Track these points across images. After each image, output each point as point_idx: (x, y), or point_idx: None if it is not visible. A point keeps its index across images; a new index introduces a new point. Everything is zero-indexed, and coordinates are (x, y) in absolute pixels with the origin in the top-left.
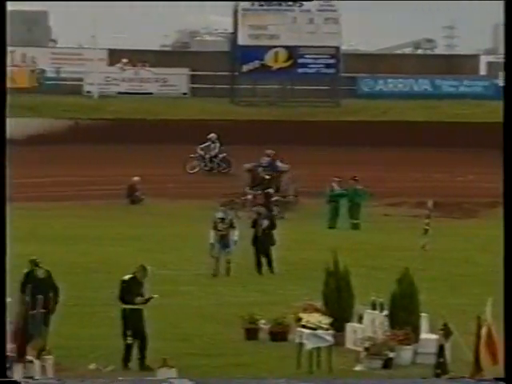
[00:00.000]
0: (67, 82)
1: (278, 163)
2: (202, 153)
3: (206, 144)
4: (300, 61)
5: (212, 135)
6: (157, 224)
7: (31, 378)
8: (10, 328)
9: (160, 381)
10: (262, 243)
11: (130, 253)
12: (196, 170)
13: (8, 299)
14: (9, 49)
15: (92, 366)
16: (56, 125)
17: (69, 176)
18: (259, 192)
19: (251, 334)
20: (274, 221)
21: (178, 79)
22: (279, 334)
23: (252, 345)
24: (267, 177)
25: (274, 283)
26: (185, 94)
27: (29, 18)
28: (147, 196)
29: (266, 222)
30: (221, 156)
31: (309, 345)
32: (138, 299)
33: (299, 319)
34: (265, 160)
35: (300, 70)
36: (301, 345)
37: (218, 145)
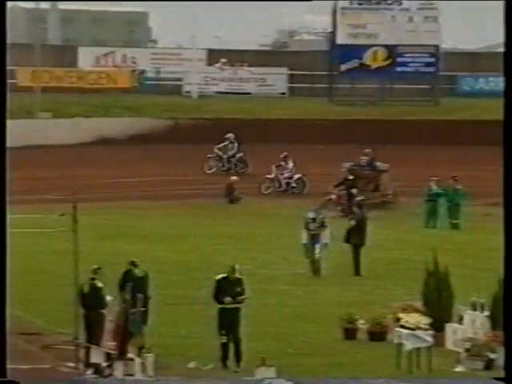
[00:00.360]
0: (167, 82)
1: (377, 162)
2: (220, 153)
3: (224, 144)
4: (399, 60)
5: (230, 135)
6: (255, 223)
7: (131, 375)
8: (110, 326)
9: (257, 381)
10: (353, 243)
11: (228, 252)
12: (213, 170)
13: (108, 297)
14: (109, 49)
15: (191, 365)
16: (156, 124)
17: (169, 175)
18: (343, 192)
19: (349, 333)
20: (363, 221)
21: (276, 79)
22: (378, 334)
23: (350, 345)
24: (351, 177)
25: (372, 283)
26: (283, 93)
27: (130, 19)
28: (245, 195)
29: (353, 222)
30: (238, 156)
31: (408, 345)
32: (226, 299)
33: (398, 319)
34: (363, 159)
35: (399, 69)
36: (400, 345)
37: (236, 145)
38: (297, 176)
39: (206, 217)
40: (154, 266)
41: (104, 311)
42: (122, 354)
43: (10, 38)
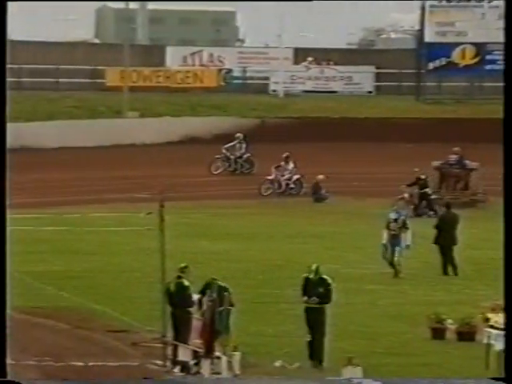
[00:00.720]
0: (253, 81)
1: (466, 161)
2: (227, 153)
3: (231, 144)
4: (488, 57)
5: (239, 134)
6: (341, 222)
7: (218, 373)
8: (197, 324)
9: (345, 380)
10: (442, 243)
11: (314, 251)
12: (220, 170)
13: (195, 296)
14: (196, 49)
15: (278, 363)
16: (242, 123)
17: (256, 174)
18: (416, 191)
19: (438, 333)
20: (452, 221)
21: (363, 77)
22: (467, 334)
23: (438, 344)
24: (423, 176)
25: (460, 283)
26: (370, 92)
27: (217, 19)
28: (332, 194)
29: (438, 222)
30: (245, 156)
31: (497, 345)
32: (304, 299)
33: (487, 319)
34: (452, 158)
35: (488, 67)
36: (489, 345)
37: (244, 145)
38: (295, 177)
39: (292, 215)
40: (239, 265)
41: (191, 309)
42: (209, 352)
43: (100, 38)
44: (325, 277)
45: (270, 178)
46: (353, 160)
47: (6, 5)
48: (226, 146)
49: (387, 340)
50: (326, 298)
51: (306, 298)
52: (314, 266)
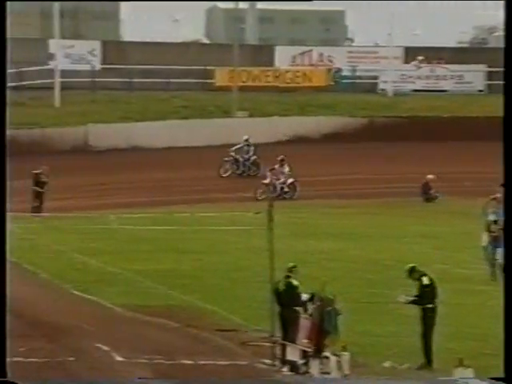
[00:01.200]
0: (362, 81)
1: None
2: (236, 156)
3: (239, 146)
4: None
5: (246, 137)
6: (450, 222)
7: (327, 373)
8: (306, 324)
9: (452, 380)
10: None
11: (424, 251)
12: (228, 173)
13: (304, 296)
14: (306, 48)
15: (387, 364)
16: (350, 122)
17: (366, 174)
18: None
19: None
20: None
21: (474, 76)
22: None
23: None
24: None
25: None
26: (481, 90)
27: (326, 18)
28: (443, 194)
29: None
30: (252, 159)
31: None
32: (402, 298)
33: None
34: None
35: None
36: None
37: (252, 147)
38: (290, 181)
39: (402, 215)
40: (349, 265)
41: (299, 309)
42: (317, 351)
43: (209, 38)
44: (423, 279)
45: (265, 181)
46: (463, 159)
47: (5, 5)
48: (234, 148)
49: (497, 341)
50: (420, 298)
51: (403, 297)
52: (407, 267)
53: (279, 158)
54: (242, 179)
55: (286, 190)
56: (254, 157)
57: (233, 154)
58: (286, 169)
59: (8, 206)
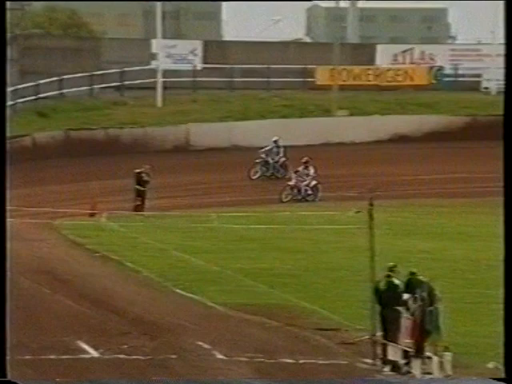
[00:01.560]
0: (464, 79)
1: None
2: (267, 158)
3: (269, 148)
4: None
5: (276, 138)
6: None
7: (429, 373)
8: (407, 324)
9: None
10: None
11: None
12: (258, 175)
13: (405, 295)
14: (407, 46)
15: (490, 365)
16: (452, 121)
17: (469, 172)
18: None
19: None
20: None
21: None
22: None
23: None
24: None
25: None
26: None
27: (428, 16)
28: None
29: None
30: (281, 161)
31: None
32: None
33: None
34: None
35: None
36: None
37: (281, 149)
38: (313, 183)
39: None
40: (451, 264)
41: (400, 309)
42: (419, 352)
43: (310, 37)
44: None
45: (290, 183)
46: None
47: (5, 5)
48: (263, 150)
49: None
50: None
51: None
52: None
53: (303, 160)
54: (355, 177)
55: (309, 192)
56: (283, 159)
57: (263, 155)
58: (312, 171)
59: (111, 204)
